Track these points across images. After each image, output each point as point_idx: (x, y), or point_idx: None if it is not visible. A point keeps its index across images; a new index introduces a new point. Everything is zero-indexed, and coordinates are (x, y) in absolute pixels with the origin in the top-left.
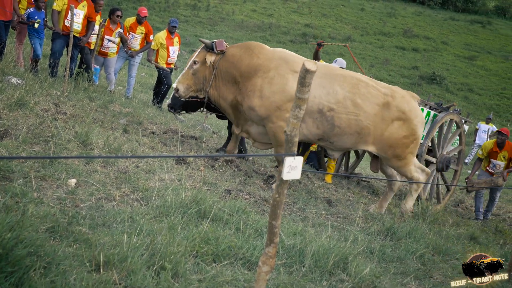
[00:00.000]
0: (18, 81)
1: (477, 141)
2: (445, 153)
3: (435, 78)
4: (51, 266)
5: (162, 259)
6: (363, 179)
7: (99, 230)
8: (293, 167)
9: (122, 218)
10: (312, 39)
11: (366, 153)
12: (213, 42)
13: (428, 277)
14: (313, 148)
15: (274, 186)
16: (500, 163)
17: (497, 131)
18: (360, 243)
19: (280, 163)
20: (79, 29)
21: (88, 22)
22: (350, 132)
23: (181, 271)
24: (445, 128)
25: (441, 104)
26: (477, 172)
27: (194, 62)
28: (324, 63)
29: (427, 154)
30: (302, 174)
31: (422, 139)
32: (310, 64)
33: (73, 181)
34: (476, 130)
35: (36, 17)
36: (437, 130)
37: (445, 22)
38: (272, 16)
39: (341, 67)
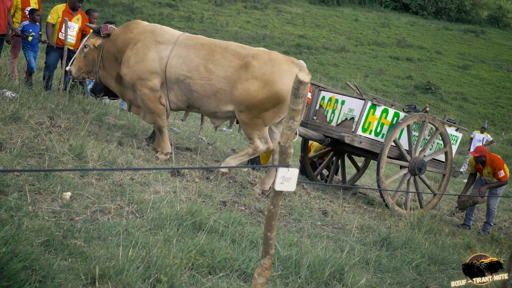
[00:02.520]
0: (13, 95)
1: (472, 150)
2: (421, 156)
3: (430, 88)
4: (46, 280)
5: (158, 271)
6: (359, 190)
7: (95, 243)
8: (287, 179)
9: (117, 231)
10: (306, 49)
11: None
12: (99, 26)
13: (424, 287)
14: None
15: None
16: (489, 178)
17: (473, 155)
18: (356, 254)
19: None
20: (73, 42)
21: (83, 35)
22: (207, 95)
23: (177, 283)
24: (415, 130)
25: (414, 107)
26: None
27: (85, 46)
28: (191, 34)
29: (398, 158)
30: (297, 184)
31: (363, 132)
32: (304, 75)
33: (68, 194)
34: (471, 139)
35: (30, 30)
36: (403, 132)
37: (438, 31)
38: (266, 28)
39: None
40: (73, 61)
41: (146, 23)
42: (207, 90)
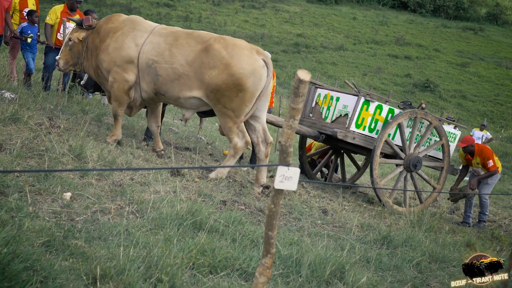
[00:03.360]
0: (12, 96)
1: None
2: (416, 152)
3: (428, 86)
4: (47, 281)
5: (158, 271)
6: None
7: (95, 243)
8: (287, 177)
9: (118, 231)
10: (305, 48)
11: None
12: (82, 19)
13: (425, 285)
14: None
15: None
16: (479, 169)
17: (460, 145)
18: (357, 252)
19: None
20: None
21: None
22: (170, 79)
23: (178, 283)
24: (408, 127)
25: (410, 103)
26: (466, 178)
27: (69, 39)
28: (168, 26)
29: (391, 157)
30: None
31: (357, 128)
32: (304, 74)
33: (68, 195)
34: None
35: (29, 32)
36: (397, 129)
37: (437, 29)
38: (264, 27)
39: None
40: (60, 54)
41: (127, 16)
42: (170, 74)
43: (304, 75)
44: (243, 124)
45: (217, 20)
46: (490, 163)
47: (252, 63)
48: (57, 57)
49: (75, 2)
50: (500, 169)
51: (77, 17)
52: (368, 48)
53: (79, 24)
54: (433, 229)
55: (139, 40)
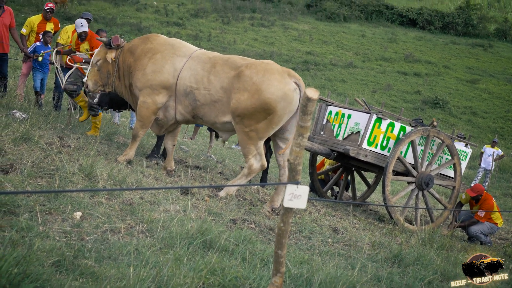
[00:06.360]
0: (23, 116)
1: (482, 165)
2: (428, 170)
3: (438, 102)
4: None
5: None
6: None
7: (105, 263)
8: (297, 196)
9: (128, 250)
10: (314, 66)
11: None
12: (110, 38)
13: None
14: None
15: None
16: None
17: (470, 194)
18: (368, 271)
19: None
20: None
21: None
22: (207, 104)
23: None
24: (420, 145)
25: (421, 121)
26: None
27: (97, 60)
28: (206, 50)
29: (403, 174)
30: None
31: (369, 145)
32: (312, 92)
33: (78, 214)
34: (482, 153)
35: (41, 51)
36: (409, 146)
37: (446, 46)
38: (273, 45)
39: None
40: (87, 75)
41: (166, 37)
42: (208, 100)
43: (312, 93)
44: (262, 146)
45: (226, 39)
46: (481, 213)
47: (282, 87)
48: (84, 79)
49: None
50: (500, 224)
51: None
52: (377, 65)
53: (108, 44)
54: (445, 247)
55: (178, 65)
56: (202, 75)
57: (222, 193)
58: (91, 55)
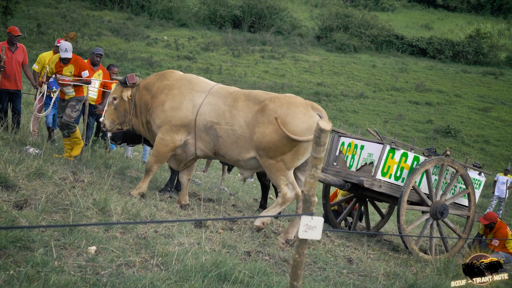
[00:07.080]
0: (36, 151)
1: (496, 193)
2: (443, 200)
3: (450, 131)
4: None
5: None
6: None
7: None
8: (311, 227)
9: (143, 284)
10: (325, 97)
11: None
12: (125, 77)
13: None
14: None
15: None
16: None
17: (482, 222)
18: None
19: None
20: (95, 97)
21: (104, 91)
22: (230, 141)
23: None
24: (434, 174)
25: (434, 150)
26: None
27: (114, 98)
28: (224, 85)
29: (417, 203)
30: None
31: (383, 176)
32: (325, 124)
33: (93, 249)
34: (495, 182)
35: (53, 87)
36: (423, 176)
37: (457, 75)
38: (284, 77)
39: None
40: (104, 114)
41: (182, 73)
42: (231, 136)
43: (325, 124)
44: (292, 175)
45: (237, 71)
46: (495, 242)
47: (307, 120)
48: (101, 119)
49: (96, 56)
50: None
51: (99, 72)
52: (388, 95)
53: (123, 83)
54: (460, 276)
55: (197, 101)
56: (224, 109)
57: (257, 222)
58: (75, 78)
